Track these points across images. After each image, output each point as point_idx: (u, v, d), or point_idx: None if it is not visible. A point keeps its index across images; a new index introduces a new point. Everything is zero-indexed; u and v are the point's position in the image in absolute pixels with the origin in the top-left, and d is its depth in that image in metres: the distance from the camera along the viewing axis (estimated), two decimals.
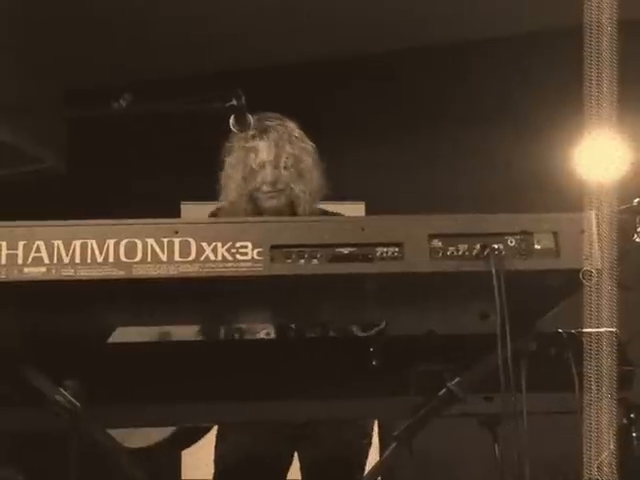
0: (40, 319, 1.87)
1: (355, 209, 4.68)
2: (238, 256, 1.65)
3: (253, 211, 2.68)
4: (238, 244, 1.66)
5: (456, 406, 1.93)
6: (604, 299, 1.77)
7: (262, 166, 2.68)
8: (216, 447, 2.73)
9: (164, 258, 1.65)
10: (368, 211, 4.83)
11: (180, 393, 1.91)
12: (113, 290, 1.68)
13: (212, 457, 2.73)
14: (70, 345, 1.93)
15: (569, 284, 1.72)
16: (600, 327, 1.84)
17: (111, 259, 1.64)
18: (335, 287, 1.74)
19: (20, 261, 1.63)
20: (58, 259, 1.63)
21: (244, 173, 2.69)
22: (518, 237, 1.71)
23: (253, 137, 2.68)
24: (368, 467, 2.65)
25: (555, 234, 1.71)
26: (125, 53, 5.32)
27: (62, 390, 1.83)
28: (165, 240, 1.66)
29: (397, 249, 1.68)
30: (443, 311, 1.97)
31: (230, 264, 1.65)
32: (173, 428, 2.42)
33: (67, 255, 1.64)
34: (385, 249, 1.68)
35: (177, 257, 1.65)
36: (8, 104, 4.32)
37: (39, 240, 1.64)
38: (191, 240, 1.66)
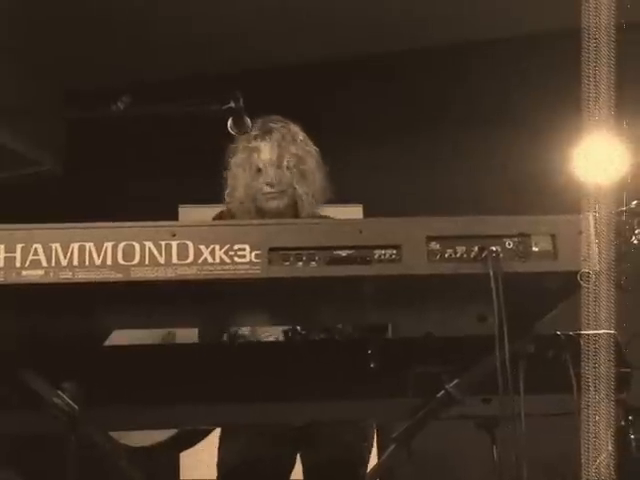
0: (38, 322, 1.87)
1: (353, 211, 4.68)
2: (236, 259, 1.65)
3: (257, 212, 2.69)
4: (236, 246, 1.66)
5: (454, 408, 1.93)
6: (602, 301, 1.78)
7: (265, 166, 2.69)
8: (219, 450, 2.74)
9: (162, 261, 1.65)
10: (366, 213, 4.83)
11: (180, 396, 1.90)
12: (111, 293, 1.68)
13: (211, 457, 2.73)
14: (68, 348, 1.93)
15: (567, 286, 1.73)
16: (598, 329, 1.84)
17: (109, 262, 1.64)
18: (333, 290, 1.74)
19: (18, 264, 1.63)
20: (56, 262, 1.63)
21: (249, 172, 2.70)
22: (516, 239, 1.71)
23: (256, 138, 2.70)
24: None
25: (553, 236, 1.71)
26: (125, 53, 5.32)
27: (60, 393, 1.83)
28: (163, 243, 1.66)
29: (395, 251, 1.68)
30: (441, 313, 1.97)
31: (228, 266, 1.65)
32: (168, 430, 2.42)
33: (65, 258, 1.64)
34: (383, 251, 1.68)
35: (175, 260, 1.65)
36: (8, 105, 4.31)
37: (37, 243, 1.64)
38: (189, 243, 1.66)
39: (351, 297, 1.82)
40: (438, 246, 1.69)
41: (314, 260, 1.67)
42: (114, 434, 2.19)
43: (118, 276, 1.64)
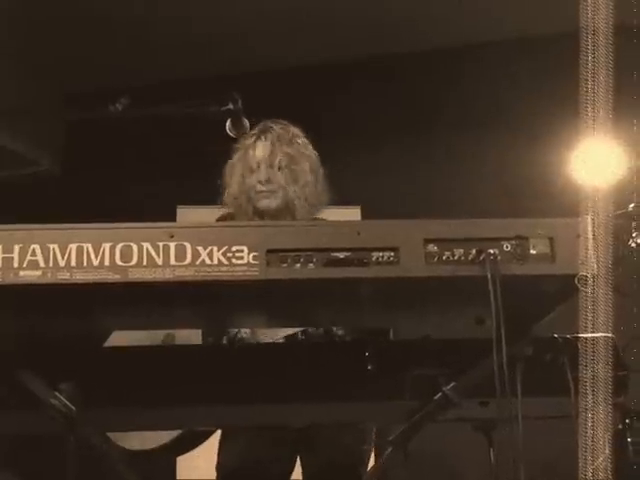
0: (36, 322, 1.87)
1: (351, 213, 4.68)
2: (234, 260, 1.65)
3: (254, 212, 2.69)
4: (234, 248, 1.66)
5: (451, 411, 1.92)
6: (600, 304, 1.78)
7: (258, 164, 2.70)
8: (218, 452, 2.74)
9: (160, 262, 1.65)
10: (364, 215, 4.83)
11: (179, 397, 1.90)
12: (109, 294, 1.68)
13: (208, 458, 2.73)
14: (66, 348, 1.92)
15: (565, 289, 1.72)
16: (596, 332, 1.84)
17: (107, 263, 1.64)
18: (331, 291, 1.74)
19: (16, 264, 1.63)
20: (54, 263, 1.63)
21: (243, 170, 2.71)
22: (514, 242, 1.71)
23: (253, 137, 2.72)
24: None
25: (551, 239, 1.71)
26: (125, 54, 5.33)
27: (57, 394, 1.83)
28: (161, 244, 1.65)
29: (393, 254, 1.68)
30: (439, 316, 1.97)
31: (226, 268, 1.65)
32: (170, 432, 2.42)
33: (63, 259, 1.64)
34: (381, 254, 1.68)
35: (173, 261, 1.65)
36: (7, 106, 4.31)
37: (35, 243, 1.64)
38: (187, 244, 1.66)
39: (349, 299, 1.82)
40: (436, 248, 1.69)
41: (312, 262, 1.66)
42: (113, 438, 2.20)
43: (116, 277, 1.64)
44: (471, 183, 4.91)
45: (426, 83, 5.26)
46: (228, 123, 2.08)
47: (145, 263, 1.64)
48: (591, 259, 1.69)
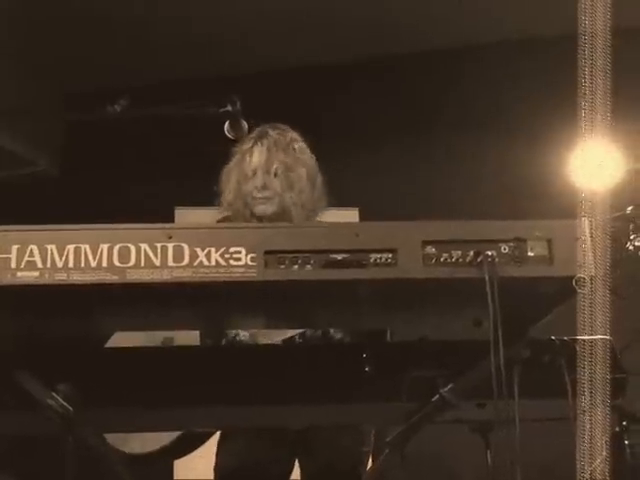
0: (33, 323, 1.87)
1: (349, 215, 4.67)
2: (232, 261, 1.66)
3: (252, 216, 2.69)
4: (232, 249, 1.66)
5: (449, 412, 1.92)
6: (597, 306, 1.77)
7: (255, 170, 2.69)
8: (217, 453, 2.73)
9: (157, 263, 1.65)
10: (362, 217, 4.83)
11: (177, 398, 1.90)
12: (106, 295, 1.68)
13: (206, 457, 2.73)
14: (64, 349, 1.92)
15: (562, 291, 1.72)
16: (593, 334, 1.84)
17: (104, 264, 1.64)
18: (329, 293, 1.74)
19: (13, 265, 1.63)
20: (51, 263, 1.64)
21: (239, 176, 2.70)
22: (512, 244, 1.71)
23: (250, 141, 2.70)
24: None
25: (549, 241, 1.71)
26: (125, 54, 5.32)
27: (55, 394, 1.83)
28: (159, 245, 1.66)
29: (391, 255, 1.68)
30: (436, 317, 1.97)
31: (224, 269, 1.65)
32: (170, 434, 2.42)
33: (60, 259, 1.64)
34: (379, 255, 1.68)
35: (171, 262, 1.65)
36: (7, 106, 4.31)
37: (32, 244, 1.64)
38: (184, 245, 1.66)
39: (347, 301, 1.82)
40: (434, 250, 1.69)
41: (310, 263, 1.67)
42: (113, 441, 2.20)
43: (114, 278, 1.64)
44: (471, 184, 4.91)
45: (426, 83, 5.25)
46: (226, 125, 2.07)
47: (143, 264, 1.65)
48: (589, 261, 1.69)
